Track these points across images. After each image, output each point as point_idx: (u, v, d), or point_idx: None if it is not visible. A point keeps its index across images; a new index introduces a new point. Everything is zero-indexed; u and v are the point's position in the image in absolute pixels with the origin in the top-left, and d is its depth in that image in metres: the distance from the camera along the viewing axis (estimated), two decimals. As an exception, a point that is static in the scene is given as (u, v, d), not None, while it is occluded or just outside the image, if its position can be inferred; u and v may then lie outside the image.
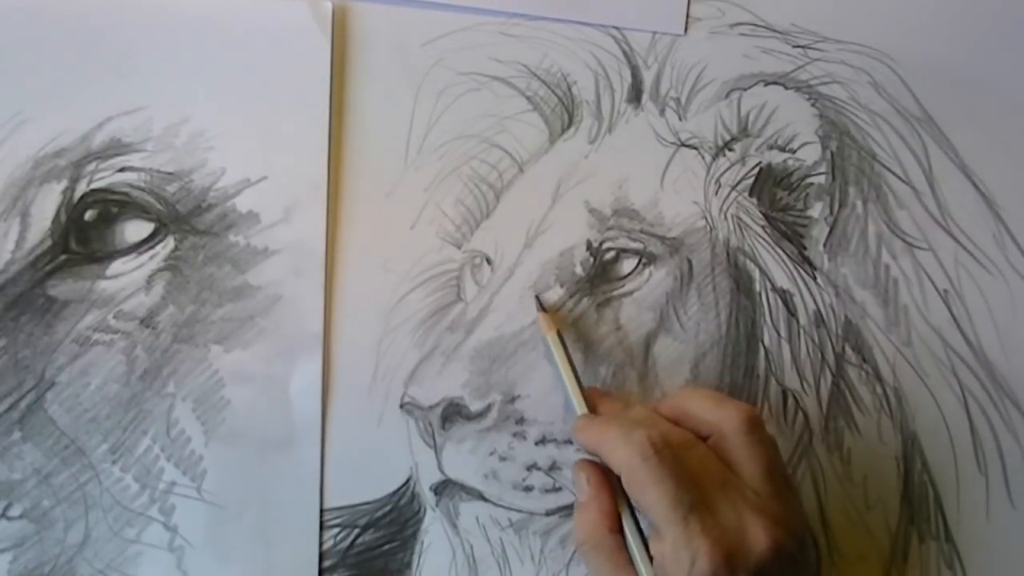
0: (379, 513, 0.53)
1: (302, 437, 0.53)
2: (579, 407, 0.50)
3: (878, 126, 0.58)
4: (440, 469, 0.54)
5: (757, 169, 0.57)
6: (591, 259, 0.55)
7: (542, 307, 0.54)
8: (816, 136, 0.57)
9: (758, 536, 0.42)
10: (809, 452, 0.55)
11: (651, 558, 0.44)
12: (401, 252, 0.54)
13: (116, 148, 0.53)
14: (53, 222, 0.52)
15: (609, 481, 0.47)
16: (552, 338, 0.52)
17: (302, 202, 0.54)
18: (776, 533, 0.43)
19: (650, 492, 0.43)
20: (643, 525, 0.46)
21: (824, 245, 0.57)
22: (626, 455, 0.44)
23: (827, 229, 0.57)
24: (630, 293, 0.55)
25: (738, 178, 0.57)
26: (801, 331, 0.56)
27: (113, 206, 0.52)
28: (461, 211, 0.55)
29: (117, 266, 0.52)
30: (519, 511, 0.54)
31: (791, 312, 0.56)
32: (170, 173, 0.53)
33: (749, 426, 0.45)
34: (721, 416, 0.46)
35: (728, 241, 0.56)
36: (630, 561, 0.45)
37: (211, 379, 0.52)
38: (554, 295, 0.55)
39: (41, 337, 0.51)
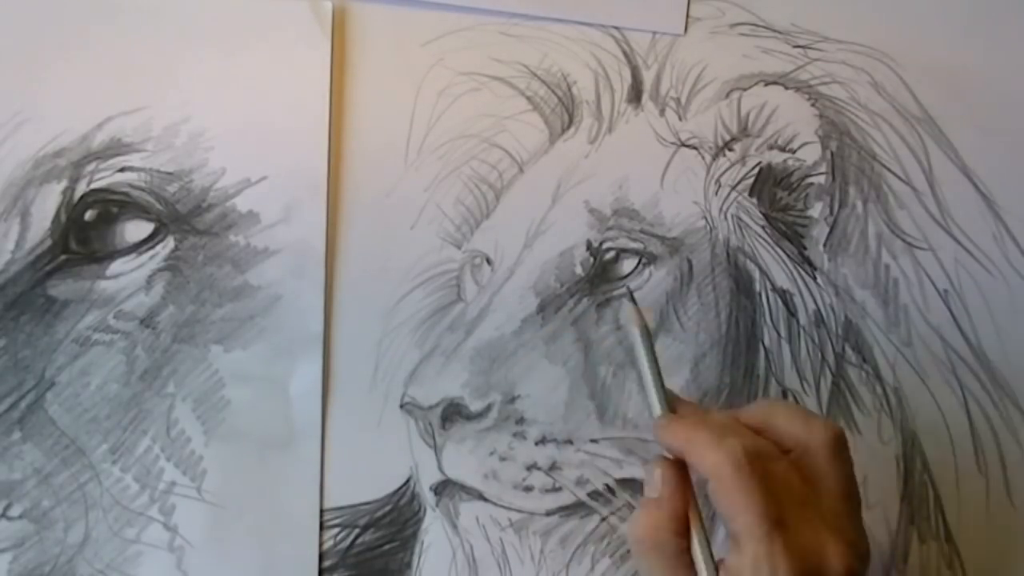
0: (379, 513, 0.53)
1: (302, 437, 0.53)
2: (659, 406, 0.48)
3: (878, 126, 0.58)
4: (440, 469, 0.54)
5: (757, 169, 0.57)
6: (591, 259, 0.55)
7: (633, 299, 0.51)
8: (816, 136, 0.57)
9: (835, 561, 0.42)
10: (809, 452, 0.55)
11: (716, 570, 0.44)
12: (401, 252, 0.54)
13: (116, 148, 0.53)
14: (53, 222, 0.52)
15: (685, 485, 0.46)
16: (641, 332, 0.49)
17: (302, 202, 0.54)
18: (850, 559, 0.43)
19: (738, 502, 0.42)
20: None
21: (824, 245, 0.57)
22: (718, 460, 0.43)
23: (827, 229, 0.57)
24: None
25: (738, 178, 0.57)
26: (801, 331, 0.56)
27: (113, 206, 0.52)
28: (461, 211, 0.55)
29: (117, 266, 0.52)
30: (519, 511, 0.54)
31: (791, 312, 0.56)
32: (170, 173, 0.53)
33: (836, 445, 0.45)
34: (808, 432, 0.45)
35: (728, 241, 0.56)
36: (691, 567, 0.45)
37: (211, 379, 0.52)
38: (555, 295, 0.55)
39: (41, 337, 0.51)
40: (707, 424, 0.45)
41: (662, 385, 0.48)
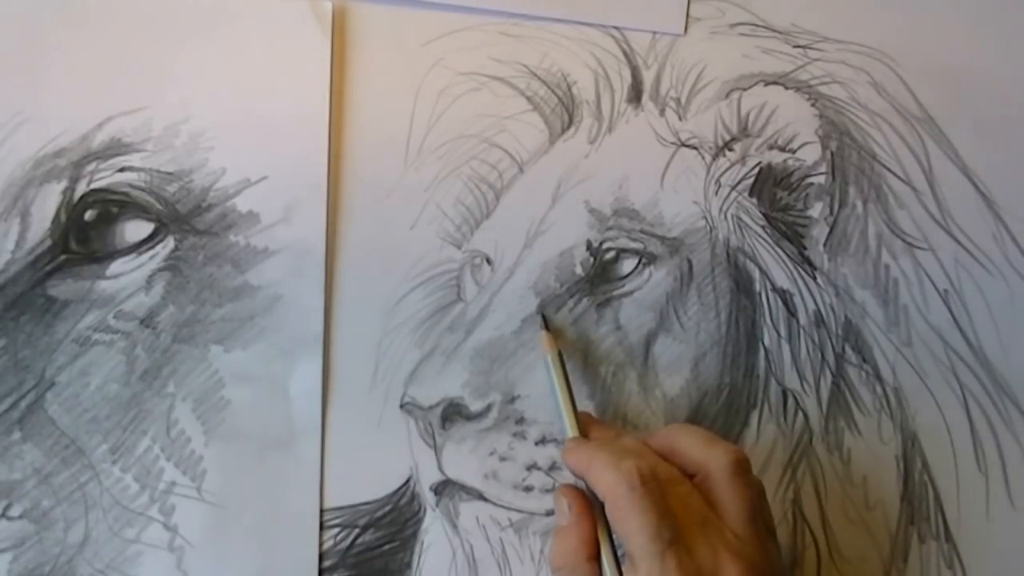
0: (379, 513, 0.53)
1: (302, 437, 0.53)
2: (571, 430, 0.50)
3: (878, 126, 0.58)
4: (440, 469, 0.54)
5: (757, 169, 0.57)
6: (591, 259, 0.55)
7: (546, 326, 0.54)
8: (816, 136, 0.57)
9: None
10: (809, 452, 0.56)
11: None
12: (401, 252, 0.54)
13: (116, 148, 0.53)
14: (53, 222, 0.52)
15: (590, 508, 0.47)
16: (553, 359, 0.52)
17: (302, 202, 0.54)
18: None
19: (632, 522, 0.43)
20: (620, 556, 0.46)
21: (824, 245, 0.57)
22: (613, 482, 0.44)
23: (827, 229, 0.57)
24: (630, 293, 0.55)
25: (738, 178, 0.57)
26: (801, 331, 0.56)
27: (113, 206, 0.52)
28: (461, 211, 0.55)
29: (117, 266, 0.52)
30: (519, 511, 0.54)
31: (791, 312, 0.56)
32: (170, 173, 0.53)
33: (736, 468, 0.45)
34: (709, 456, 0.46)
35: (728, 241, 0.56)
36: None
37: (211, 379, 0.52)
38: (554, 297, 0.55)
39: (41, 337, 0.51)
40: (608, 447, 0.46)
41: (574, 409, 0.50)
